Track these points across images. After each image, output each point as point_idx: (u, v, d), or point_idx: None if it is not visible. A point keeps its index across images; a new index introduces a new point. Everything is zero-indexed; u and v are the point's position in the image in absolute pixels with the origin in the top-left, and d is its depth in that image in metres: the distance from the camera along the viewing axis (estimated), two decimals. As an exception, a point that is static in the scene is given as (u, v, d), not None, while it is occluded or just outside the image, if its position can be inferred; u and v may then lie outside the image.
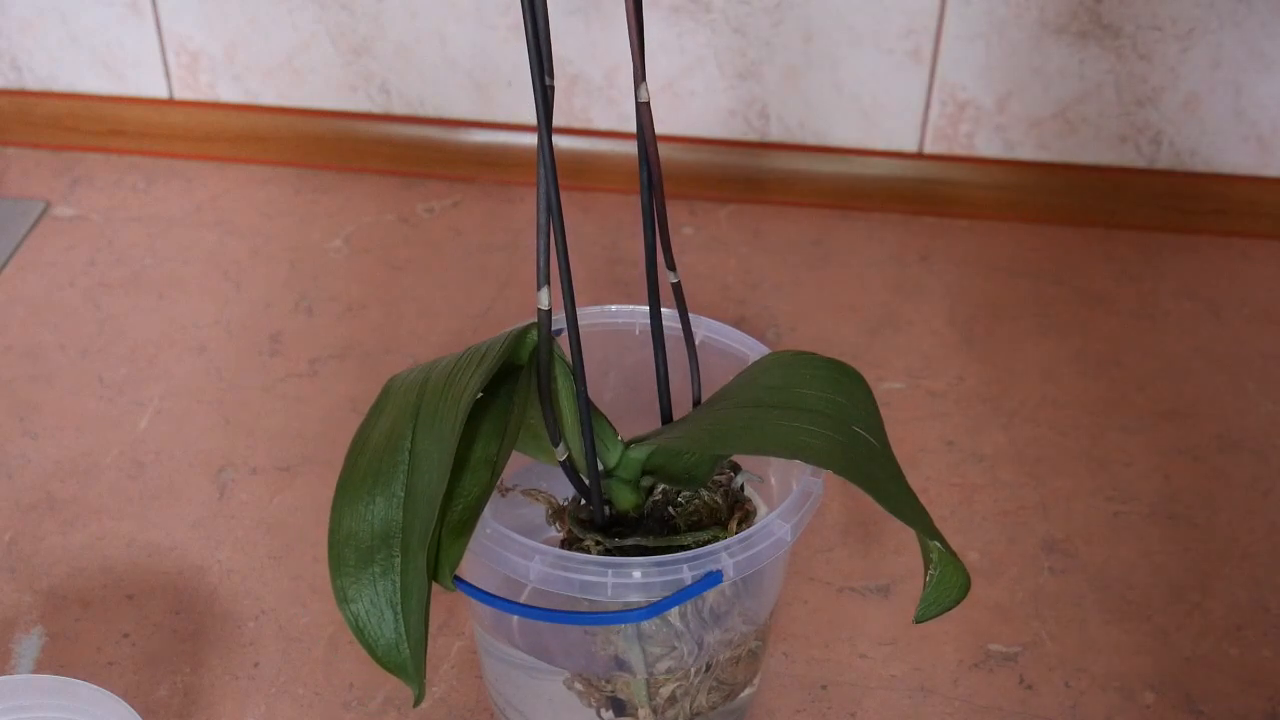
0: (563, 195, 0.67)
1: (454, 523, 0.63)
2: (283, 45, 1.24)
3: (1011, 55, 1.18)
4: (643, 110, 0.64)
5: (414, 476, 0.64)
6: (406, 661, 0.62)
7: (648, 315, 0.76)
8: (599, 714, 0.73)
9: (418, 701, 0.62)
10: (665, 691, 0.71)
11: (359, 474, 0.65)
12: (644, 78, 0.63)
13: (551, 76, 0.59)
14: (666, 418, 0.74)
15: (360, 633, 0.63)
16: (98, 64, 1.27)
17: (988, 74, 1.19)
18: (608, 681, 0.71)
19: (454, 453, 0.62)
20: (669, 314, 0.74)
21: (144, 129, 1.28)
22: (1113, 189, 1.23)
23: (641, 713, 0.71)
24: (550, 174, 0.60)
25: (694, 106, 1.23)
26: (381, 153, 1.27)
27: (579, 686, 0.72)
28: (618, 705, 0.72)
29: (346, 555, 0.63)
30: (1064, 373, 1.07)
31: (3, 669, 0.82)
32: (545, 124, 0.60)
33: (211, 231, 1.20)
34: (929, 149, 1.23)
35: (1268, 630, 0.86)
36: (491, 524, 0.66)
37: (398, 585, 0.63)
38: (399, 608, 0.62)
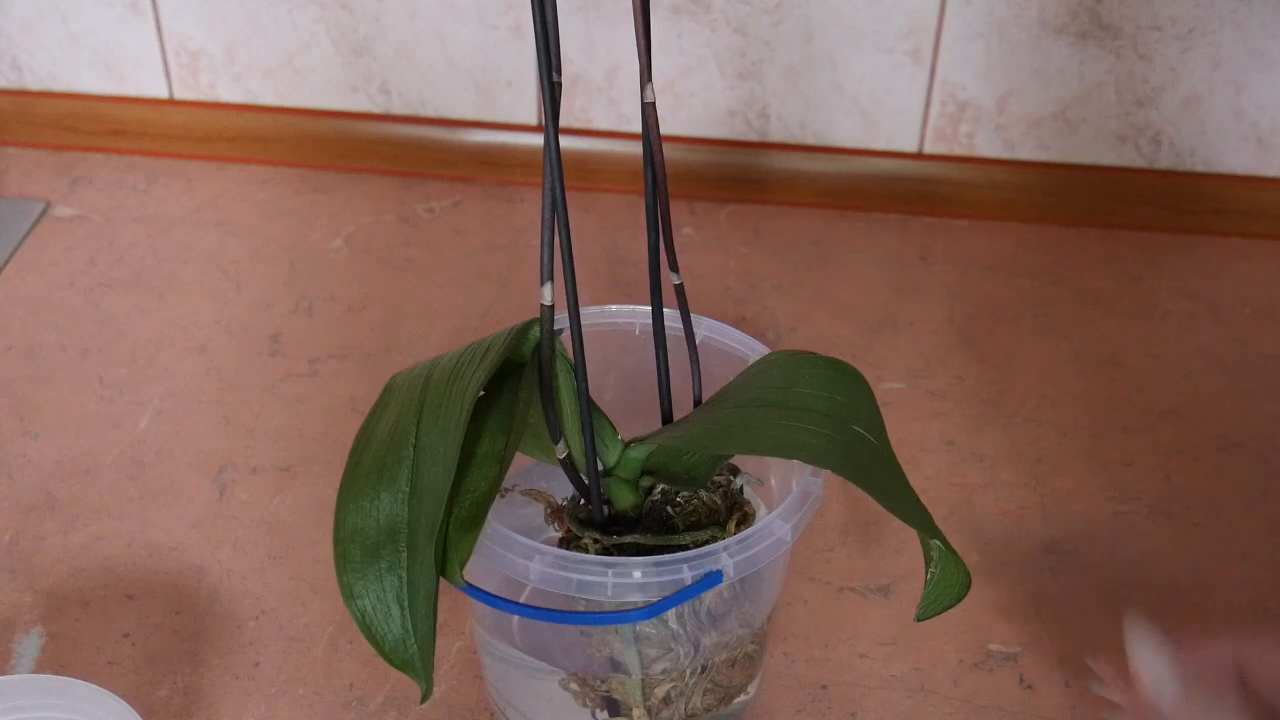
0: (564, 194, 0.66)
1: (462, 518, 0.63)
2: (283, 45, 1.24)
3: (1011, 55, 1.18)
4: (649, 110, 0.64)
5: (419, 472, 0.64)
6: (414, 657, 0.62)
7: (648, 315, 0.75)
8: (594, 714, 0.72)
9: (425, 697, 0.62)
10: (660, 692, 0.71)
11: (363, 470, 0.65)
12: (650, 78, 0.63)
13: (559, 73, 0.59)
14: (667, 418, 0.74)
15: (367, 629, 0.62)
16: (98, 64, 1.27)
17: (988, 74, 1.19)
18: (603, 681, 0.71)
19: (460, 447, 0.62)
20: (669, 314, 0.74)
21: (144, 129, 1.28)
22: (1113, 189, 1.23)
23: (635, 713, 0.71)
24: (556, 169, 0.60)
25: (694, 106, 1.23)
26: (381, 153, 1.27)
27: (574, 686, 0.72)
28: (612, 705, 0.72)
29: (352, 551, 0.63)
30: (1064, 373, 1.07)
31: (3, 669, 0.82)
32: (552, 120, 0.60)
33: (211, 231, 1.20)
34: (929, 149, 1.23)
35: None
36: (491, 524, 0.66)
37: (404, 581, 0.62)
38: (405, 603, 0.62)
